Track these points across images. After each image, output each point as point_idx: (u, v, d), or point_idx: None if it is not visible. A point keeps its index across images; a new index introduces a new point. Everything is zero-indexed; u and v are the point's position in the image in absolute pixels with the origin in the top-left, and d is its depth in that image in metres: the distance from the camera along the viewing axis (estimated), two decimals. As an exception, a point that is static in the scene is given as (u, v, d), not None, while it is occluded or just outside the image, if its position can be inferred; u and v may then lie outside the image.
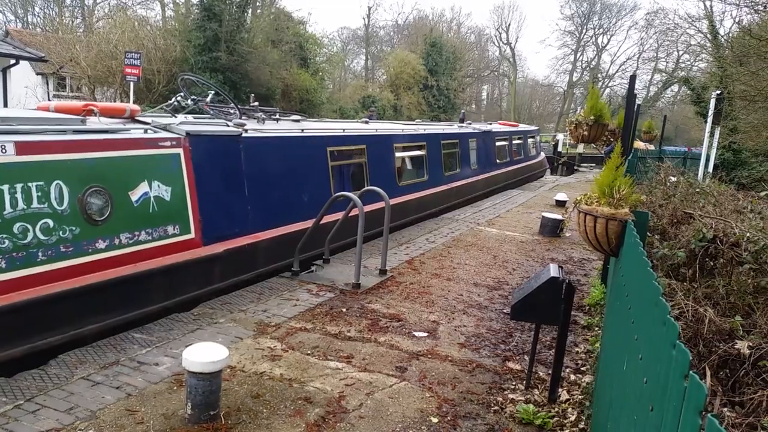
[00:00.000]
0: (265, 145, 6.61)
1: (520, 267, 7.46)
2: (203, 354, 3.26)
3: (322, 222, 6.48)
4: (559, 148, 26.69)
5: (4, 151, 4.01)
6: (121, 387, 3.67)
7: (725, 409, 2.43)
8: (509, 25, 60.63)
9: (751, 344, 2.64)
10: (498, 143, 15.81)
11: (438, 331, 5.02)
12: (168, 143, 5.28)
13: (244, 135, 6.24)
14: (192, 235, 5.42)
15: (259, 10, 29.41)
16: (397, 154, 9.79)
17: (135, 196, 4.91)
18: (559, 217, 9.39)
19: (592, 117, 9.34)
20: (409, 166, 10.88)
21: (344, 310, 5.35)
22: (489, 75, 63.35)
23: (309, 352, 4.38)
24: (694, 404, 1.17)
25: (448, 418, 3.60)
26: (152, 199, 5.05)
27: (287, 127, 7.51)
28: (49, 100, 25.12)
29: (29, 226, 4.11)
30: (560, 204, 12.59)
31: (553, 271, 3.85)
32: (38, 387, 3.62)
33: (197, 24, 24.36)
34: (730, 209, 4.59)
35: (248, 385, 3.79)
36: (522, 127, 19.92)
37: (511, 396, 3.94)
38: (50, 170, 4.28)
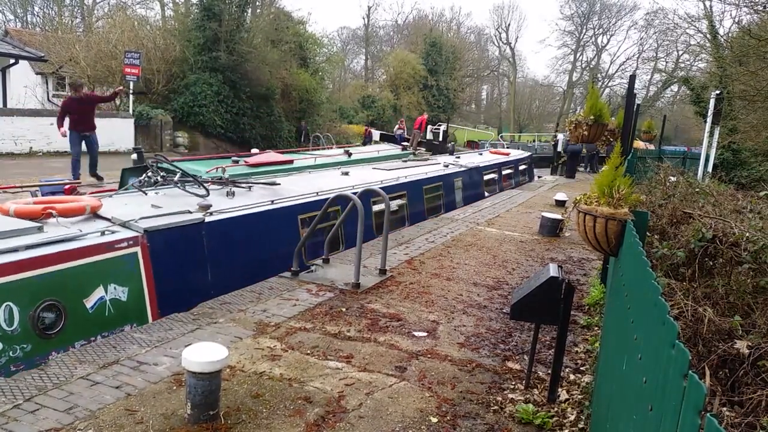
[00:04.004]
0: (229, 227, 6.43)
1: (519, 267, 7.46)
2: (203, 354, 3.26)
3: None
4: (559, 148, 26.70)
5: None
6: (120, 387, 3.66)
7: (724, 408, 2.43)
8: (509, 25, 60.74)
9: (750, 344, 2.64)
10: (486, 176, 15.32)
11: (437, 331, 5.02)
12: (125, 244, 5.20)
13: (207, 220, 6.12)
14: None
15: (258, 10, 29.40)
16: (375, 208, 9.35)
17: (90, 303, 4.80)
18: (559, 216, 9.39)
19: (591, 117, 9.36)
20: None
21: (344, 309, 5.35)
22: (489, 75, 63.43)
23: (308, 351, 4.38)
24: (693, 404, 1.17)
25: (448, 417, 3.60)
26: (108, 302, 4.96)
27: (258, 198, 7.33)
28: (48, 99, 25.17)
29: None
30: (560, 204, 12.58)
31: (553, 270, 3.84)
32: (37, 387, 3.62)
33: (197, 24, 24.35)
34: (729, 209, 4.59)
35: (248, 385, 3.79)
36: (513, 155, 19.21)
37: (510, 396, 3.94)
38: (1, 293, 4.19)
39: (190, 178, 7.39)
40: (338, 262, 6.94)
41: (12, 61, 18.14)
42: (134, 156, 10.38)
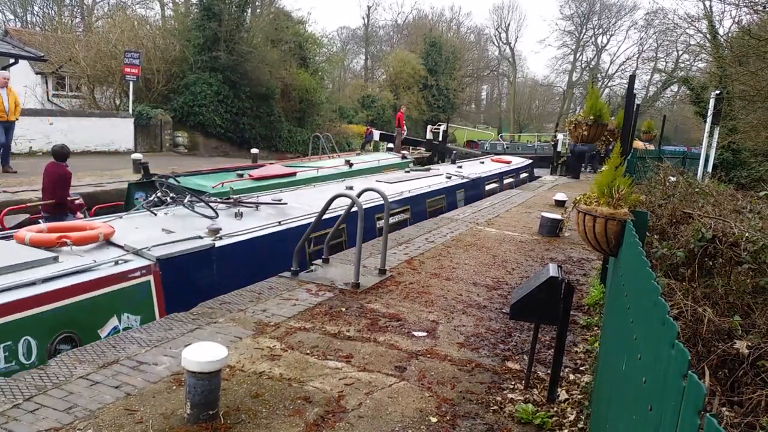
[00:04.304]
0: (238, 250, 6.55)
1: (519, 267, 7.46)
2: (202, 353, 3.26)
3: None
4: (559, 148, 26.73)
5: None
6: (120, 386, 3.66)
7: (724, 408, 2.43)
8: (509, 24, 60.74)
9: (749, 344, 2.64)
10: (488, 186, 15.46)
11: (437, 331, 5.02)
12: (138, 273, 5.29)
13: (217, 245, 6.20)
14: None
15: (258, 10, 29.38)
16: (380, 224, 9.35)
17: (104, 332, 4.87)
18: (559, 216, 9.39)
19: (591, 117, 9.38)
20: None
21: (343, 309, 5.35)
22: (488, 75, 63.44)
23: (308, 351, 4.38)
24: (693, 404, 1.17)
25: (447, 417, 3.60)
26: (121, 331, 4.99)
27: (265, 218, 7.37)
28: (48, 99, 25.13)
29: None
30: (559, 204, 12.58)
31: (552, 270, 3.84)
32: (37, 386, 3.61)
33: (197, 23, 24.32)
34: (729, 209, 4.60)
35: (247, 385, 3.79)
36: (514, 163, 19.45)
37: (510, 395, 3.94)
38: (18, 328, 4.25)
39: (198, 199, 7.51)
40: (338, 261, 6.94)
41: (12, 60, 18.11)
42: (134, 156, 10.51)
